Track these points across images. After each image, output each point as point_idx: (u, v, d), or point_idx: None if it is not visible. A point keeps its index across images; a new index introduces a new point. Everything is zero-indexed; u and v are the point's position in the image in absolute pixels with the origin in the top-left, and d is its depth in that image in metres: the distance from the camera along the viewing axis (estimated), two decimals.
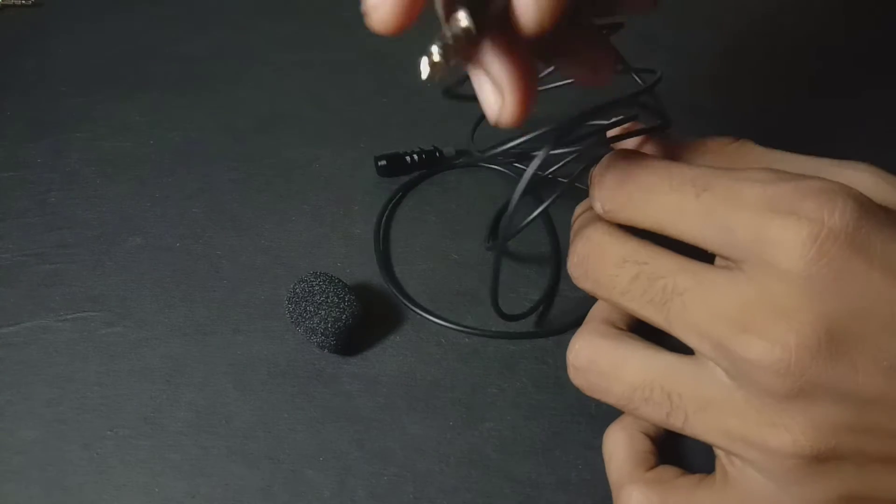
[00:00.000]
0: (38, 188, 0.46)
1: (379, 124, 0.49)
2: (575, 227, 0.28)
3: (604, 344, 0.27)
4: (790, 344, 0.21)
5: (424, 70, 0.21)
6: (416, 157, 0.45)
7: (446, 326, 0.38)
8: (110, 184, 0.46)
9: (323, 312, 0.35)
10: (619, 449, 0.30)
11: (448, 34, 0.21)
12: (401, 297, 0.39)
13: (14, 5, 0.61)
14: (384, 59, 0.55)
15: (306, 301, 0.35)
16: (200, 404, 0.35)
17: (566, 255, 0.28)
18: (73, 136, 0.49)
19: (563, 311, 0.39)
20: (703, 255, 0.25)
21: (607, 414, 0.32)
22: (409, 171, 0.45)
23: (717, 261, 0.25)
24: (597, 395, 0.27)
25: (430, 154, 0.46)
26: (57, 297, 0.40)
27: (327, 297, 0.35)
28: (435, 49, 0.21)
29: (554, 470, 0.33)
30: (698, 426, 0.25)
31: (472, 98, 0.43)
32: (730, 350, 0.23)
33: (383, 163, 0.45)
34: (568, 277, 0.39)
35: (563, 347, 0.29)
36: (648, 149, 0.30)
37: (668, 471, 0.28)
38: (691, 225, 0.24)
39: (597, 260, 0.26)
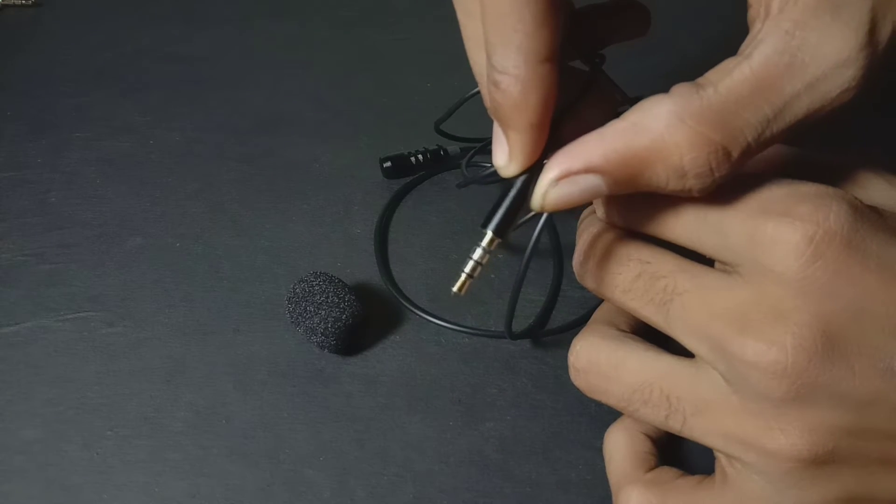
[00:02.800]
0: (38, 188, 0.46)
1: (379, 124, 0.49)
2: (581, 226, 0.28)
3: (604, 345, 0.27)
4: (787, 345, 0.21)
5: (457, 286, 0.25)
6: (420, 157, 0.45)
7: (446, 327, 0.37)
8: (110, 184, 0.46)
9: (323, 312, 0.35)
10: (620, 449, 0.30)
11: (477, 255, 0.25)
12: (400, 299, 0.39)
13: (14, 5, 0.60)
14: (384, 60, 0.55)
15: (306, 301, 0.35)
16: (200, 404, 0.35)
17: (567, 256, 0.28)
18: (73, 136, 0.49)
19: (563, 311, 0.39)
20: (706, 259, 0.25)
21: (607, 414, 0.32)
22: (415, 172, 0.45)
23: (717, 264, 0.25)
24: (597, 397, 0.27)
25: (435, 154, 0.46)
26: (57, 297, 0.40)
27: (327, 297, 0.35)
28: (467, 269, 0.25)
29: (554, 470, 0.33)
30: (696, 428, 0.25)
31: (461, 139, 0.44)
32: (727, 352, 0.23)
33: (388, 164, 0.45)
34: (568, 277, 0.39)
35: (564, 347, 0.29)
36: None
37: (667, 472, 0.28)
38: (687, 229, 0.24)
39: (601, 258, 0.26)
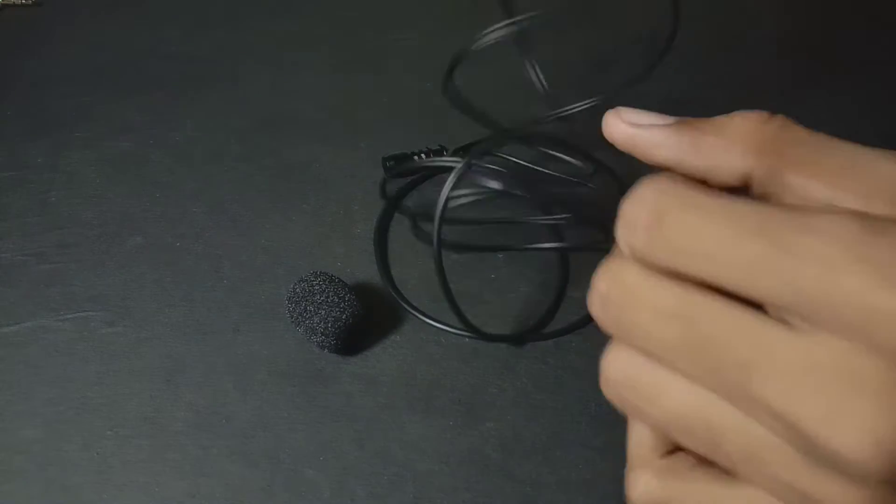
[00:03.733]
0: (38, 188, 0.46)
1: (379, 124, 0.49)
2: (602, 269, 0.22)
3: (644, 362, 0.23)
4: (884, 438, 0.18)
5: None
6: (423, 156, 0.45)
7: (446, 329, 0.37)
8: (110, 184, 0.46)
9: (323, 312, 0.35)
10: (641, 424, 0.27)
11: None
12: (400, 300, 0.39)
13: (14, 5, 0.60)
14: (384, 60, 0.55)
15: (306, 301, 0.35)
16: (200, 404, 0.35)
17: (571, 258, 0.27)
18: (73, 136, 0.49)
19: (563, 311, 0.38)
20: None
21: (608, 414, 0.32)
22: (417, 171, 0.45)
23: (772, 310, 0.20)
24: (627, 412, 0.24)
25: (438, 153, 0.45)
26: (57, 297, 0.40)
27: (327, 297, 0.35)
28: None
29: (554, 470, 0.32)
30: (747, 474, 0.22)
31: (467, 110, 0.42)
32: (807, 437, 0.19)
33: (392, 163, 0.45)
34: (572, 278, 0.39)
35: (564, 348, 0.29)
36: (664, 131, 0.24)
37: (683, 459, 0.26)
38: (754, 280, 0.19)
39: (627, 308, 0.21)
